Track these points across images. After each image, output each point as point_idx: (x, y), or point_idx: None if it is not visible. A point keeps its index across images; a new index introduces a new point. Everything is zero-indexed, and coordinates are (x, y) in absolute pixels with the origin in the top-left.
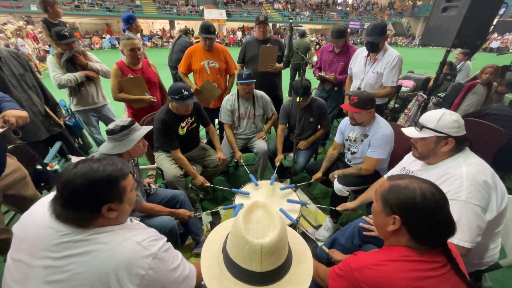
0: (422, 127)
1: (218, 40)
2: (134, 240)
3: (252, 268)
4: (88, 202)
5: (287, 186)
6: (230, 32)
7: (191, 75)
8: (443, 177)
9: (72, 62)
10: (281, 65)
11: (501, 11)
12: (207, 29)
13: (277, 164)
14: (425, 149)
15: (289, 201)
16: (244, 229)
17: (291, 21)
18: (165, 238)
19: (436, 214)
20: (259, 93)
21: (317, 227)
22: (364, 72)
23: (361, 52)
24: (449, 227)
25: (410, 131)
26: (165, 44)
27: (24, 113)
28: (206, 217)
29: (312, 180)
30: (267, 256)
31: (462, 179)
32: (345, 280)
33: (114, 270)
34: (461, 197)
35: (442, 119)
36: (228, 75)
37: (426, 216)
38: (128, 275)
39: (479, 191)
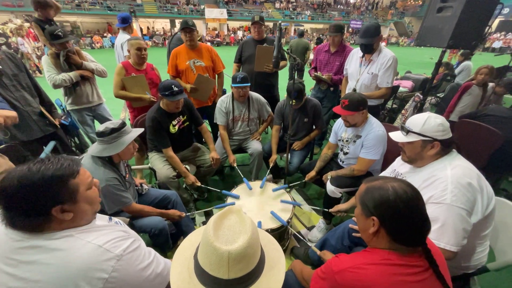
0: (408, 131)
1: (219, 39)
2: (95, 244)
3: (219, 275)
4: (32, 207)
5: (280, 187)
6: (231, 32)
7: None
8: (429, 180)
9: (67, 62)
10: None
11: (505, 10)
12: (185, 23)
13: (271, 164)
14: (412, 153)
15: (282, 201)
16: (213, 236)
17: (280, 21)
18: (133, 238)
19: (410, 210)
20: (255, 96)
21: (310, 228)
22: (359, 73)
23: (356, 53)
24: (424, 222)
25: (397, 136)
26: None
27: (12, 113)
28: (199, 218)
29: (305, 178)
30: (234, 263)
31: (447, 182)
32: (327, 283)
33: (72, 279)
34: (446, 200)
35: (427, 123)
36: (216, 75)
37: (400, 213)
38: (88, 283)
39: (464, 194)
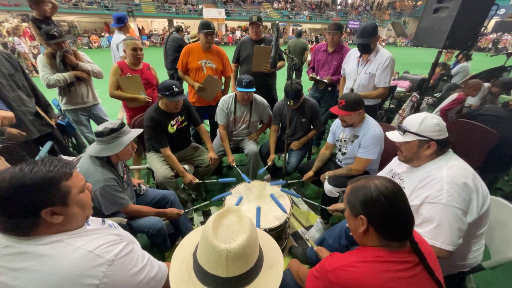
0: (404, 131)
1: (217, 39)
2: (85, 249)
3: (218, 273)
4: (22, 208)
5: (278, 182)
6: (229, 32)
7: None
8: (425, 180)
9: (63, 62)
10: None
11: (501, 11)
12: (208, 25)
13: (270, 163)
14: (408, 153)
15: (282, 190)
16: (212, 234)
17: (277, 21)
18: (126, 241)
19: (393, 204)
20: (259, 99)
21: (308, 228)
22: (356, 73)
23: (354, 53)
24: (408, 214)
25: (394, 135)
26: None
27: (9, 114)
28: (197, 218)
29: (303, 178)
30: (233, 261)
31: (442, 182)
32: (321, 282)
33: (61, 286)
34: (441, 200)
35: (423, 123)
36: (224, 78)
37: (385, 208)
38: None
39: (459, 193)
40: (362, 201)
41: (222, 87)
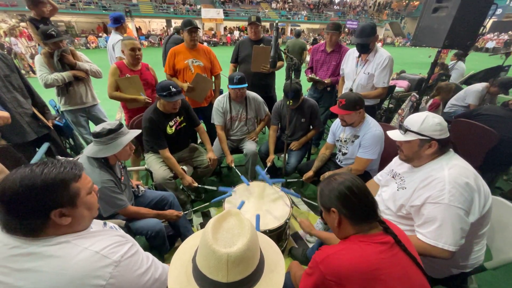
0: (406, 130)
1: (215, 39)
2: (92, 250)
3: (218, 278)
4: (32, 209)
5: (278, 180)
6: (228, 32)
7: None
8: (427, 180)
9: (61, 62)
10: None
11: (498, 11)
12: (190, 22)
13: (269, 164)
14: (409, 152)
15: (282, 190)
16: (212, 238)
17: (277, 21)
18: (131, 243)
19: (352, 190)
20: (252, 95)
21: None
22: (355, 73)
23: (352, 53)
24: (367, 196)
25: (395, 134)
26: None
27: (4, 114)
28: (196, 219)
29: (303, 178)
30: (233, 266)
31: (444, 182)
32: (313, 278)
33: (68, 287)
34: (443, 200)
35: (425, 122)
36: (214, 77)
37: (346, 195)
38: None
39: (461, 193)
40: (328, 196)
41: (213, 86)
